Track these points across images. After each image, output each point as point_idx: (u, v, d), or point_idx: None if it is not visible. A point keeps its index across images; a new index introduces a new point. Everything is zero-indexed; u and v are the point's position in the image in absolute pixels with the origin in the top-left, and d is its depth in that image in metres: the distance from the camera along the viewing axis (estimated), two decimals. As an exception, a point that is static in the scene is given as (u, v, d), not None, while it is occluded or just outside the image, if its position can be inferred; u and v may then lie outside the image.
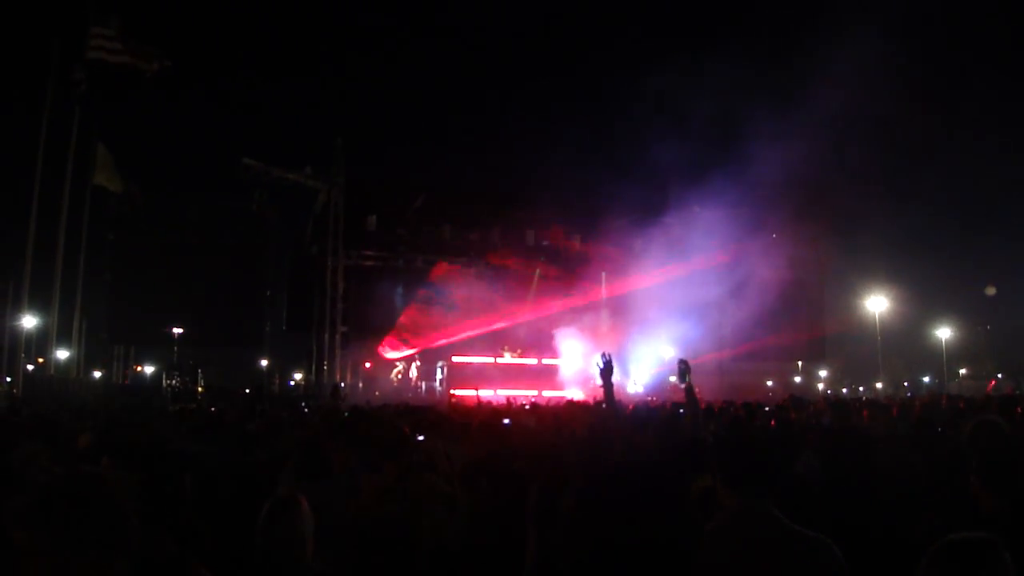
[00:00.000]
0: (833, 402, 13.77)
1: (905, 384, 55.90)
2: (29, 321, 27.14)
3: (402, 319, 36.46)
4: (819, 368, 55.36)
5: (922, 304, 52.69)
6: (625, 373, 35.81)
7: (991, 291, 55.23)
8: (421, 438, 8.40)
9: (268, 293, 39.21)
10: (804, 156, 33.70)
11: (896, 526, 3.76)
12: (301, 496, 3.28)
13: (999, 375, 56.02)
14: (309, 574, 3.03)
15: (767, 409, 11.39)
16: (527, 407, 14.37)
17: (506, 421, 9.80)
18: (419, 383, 35.49)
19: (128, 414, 12.05)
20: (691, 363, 7.08)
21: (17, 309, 26.29)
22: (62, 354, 31.51)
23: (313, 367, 35.68)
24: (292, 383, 46.76)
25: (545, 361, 35.65)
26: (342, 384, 30.23)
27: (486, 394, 20.50)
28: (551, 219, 37.75)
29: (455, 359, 33.77)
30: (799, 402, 11.59)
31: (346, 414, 9.70)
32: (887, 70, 38.26)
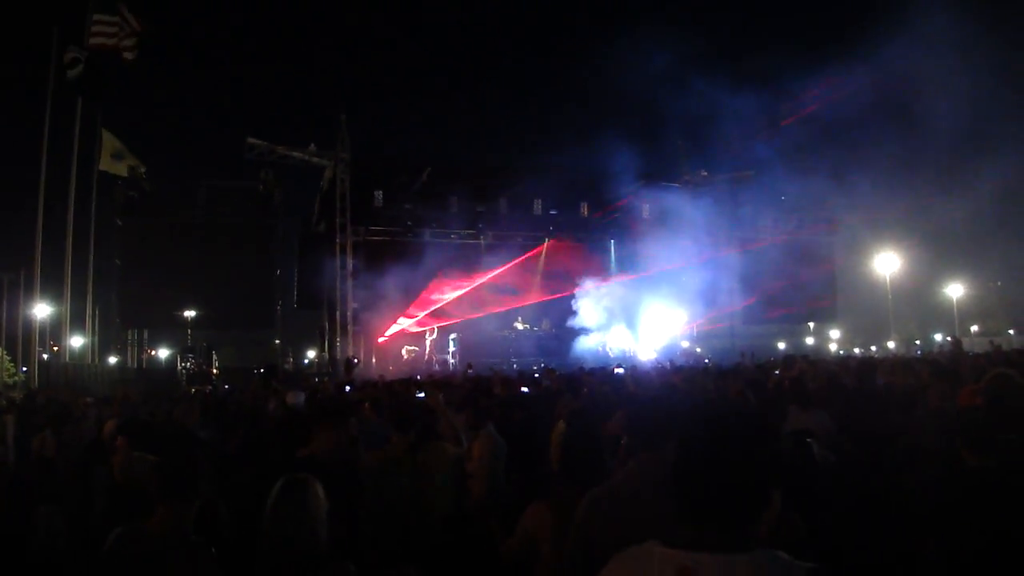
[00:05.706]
0: (857, 362, 14.29)
1: (917, 343, 55.69)
2: (42, 310, 27.29)
3: (415, 294, 36.38)
4: (830, 328, 55.23)
5: (933, 262, 52.27)
6: (636, 339, 35.91)
7: None
8: (421, 395, 8.48)
9: (278, 272, 39.31)
10: (813, 116, 33.46)
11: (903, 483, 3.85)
12: (312, 477, 3.25)
13: (1011, 331, 55.76)
14: (320, 553, 3.01)
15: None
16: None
17: (524, 389, 9.93)
18: (432, 356, 35.57)
19: (146, 399, 12.19)
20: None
21: (30, 298, 26.46)
22: (76, 341, 31.70)
23: (326, 344, 35.81)
24: (306, 361, 46.95)
25: (557, 331, 35.76)
26: (355, 360, 30.34)
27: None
28: (558, 188, 37.51)
29: (467, 332, 33.86)
30: (791, 360, 12.39)
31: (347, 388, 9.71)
32: (901, 22, 37.73)
